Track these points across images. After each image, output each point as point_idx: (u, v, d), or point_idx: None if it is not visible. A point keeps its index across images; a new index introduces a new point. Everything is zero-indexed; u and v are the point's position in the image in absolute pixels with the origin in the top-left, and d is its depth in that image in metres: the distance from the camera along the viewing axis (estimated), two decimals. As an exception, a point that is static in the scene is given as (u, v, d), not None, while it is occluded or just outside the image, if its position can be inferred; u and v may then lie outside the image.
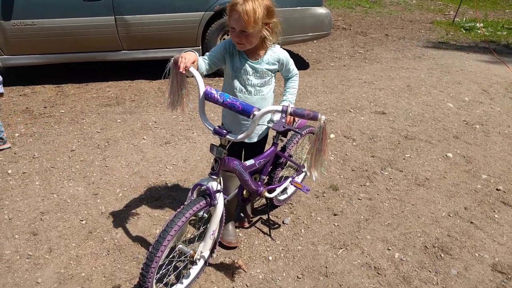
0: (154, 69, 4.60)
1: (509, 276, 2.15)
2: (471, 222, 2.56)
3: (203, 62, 1.82)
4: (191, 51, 1.70)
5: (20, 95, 4.09)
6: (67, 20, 4.06)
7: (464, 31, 7.76)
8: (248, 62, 1.88)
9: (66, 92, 4.21)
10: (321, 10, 4.85)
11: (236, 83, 1.91)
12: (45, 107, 3.81)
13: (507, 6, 10.16)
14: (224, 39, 4.46)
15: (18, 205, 2.47)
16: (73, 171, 2.82)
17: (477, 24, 7.94)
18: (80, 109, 3.80)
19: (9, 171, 2.80)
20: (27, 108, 3.80)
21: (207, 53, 1.88)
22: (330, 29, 5.11)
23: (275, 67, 1.95)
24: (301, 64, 5.43)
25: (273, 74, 1.97)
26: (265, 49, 1.90)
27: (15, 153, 3.03)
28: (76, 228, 2.30)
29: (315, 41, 6.52)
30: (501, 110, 4.29)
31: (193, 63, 1.66)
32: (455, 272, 2.16)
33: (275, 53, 1.92)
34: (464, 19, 8.52)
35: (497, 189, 2.90)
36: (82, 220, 2.36)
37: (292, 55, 5.88)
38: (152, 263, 1.58)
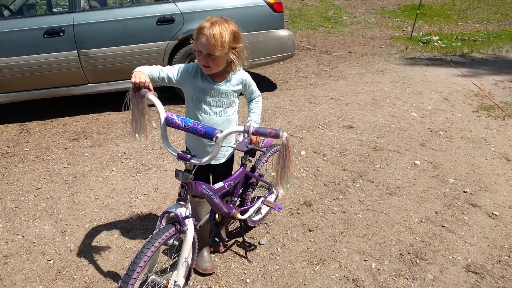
0: (122, 101, 4.55)
1: (482, 275, 2.19)
2: (442, 226, 2.61)
3: (158, 73, 1.82)
4: (140, 71, 1.71)
5: (-18, 136, 3.96)
6: (29, 58, 4.00)
7: (422, 45, 8.13)
8: (212, 84, 1.91)
9: (31, 129, 4.10)
10: (284, 33, 4.98)
11: (201, 106, 1.92)
12: (8, 147, 3.69)
13: (459, 19, 10.76)
14: (193, 61, 4.49)
15: (-20, 250, 2.35)
16: (39, 209, 2.72)
17: (433, 38, 8.35)
18: (45, 145, 3.70)
19: (-30, 216, 2.67)
20: (-11, 149, 3.68)
21: (168, 66, 1.88)
22: (294, 50, 5.24)
23: (239, 87, 1.98)
24: (269, 85, 5.53)
25: (237, 95, 1.99)
26: (230, 73, 1.93)
27: (-24, 197, 2.90)
28: (44, 269, 2.20)
29: (281, 63, 6.66)
30: (462, 116, 4.47)
31: (145, 83, 1.66)
32: (431, 277, 2.18)
33: (238, 75, 1.96)
34: (421, 33, 8.94)
35: (464, 192, 2.99)
36: (50, 260, 2.26)
37: (260, 77, 5.98)
38: (122, 297, 1.52)
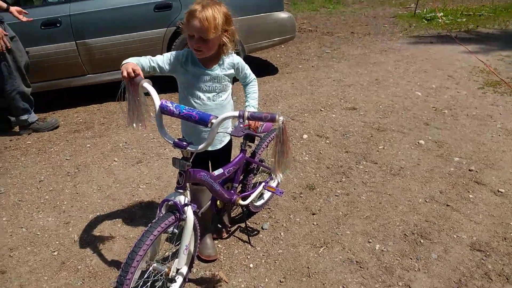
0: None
1: (487, 253, 2.17)
2: (447, 205, 2.58)
3: (149, 63, 1.78)
4: (127, 62, 1.67)
5: (-16, 131, 3.97)
6: (28, 50, 3.98)
7: (426, 22, 7.96)
8: (204, 70, 1.87)
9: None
10: (283, 15, 4.89)
11: (194, 92, 1.89)
12: (10, 140, 3.70)
13: (465, -6, 10.50)
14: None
15: (-15, 244, 2.37)
16: (42, 202, 2.73)
17: (438, 14, 8.16)
18: (47, 138, 3.70)
19: (-25, 210, 2.69)
20: (-8, 143, 3.69)
21: (158, 56, 1.84)
22: (294, 33, 5.15)
23: (232, 71, 1.94)
24: (270, 69, 5.45)
25: (230, 80, 1.96)
26: (222, 57, 1.90)
27: (-19, 191, 2.92)
28: (48, 260, 2.21)
29: (282, 46, 6.57)
30: (467, 93, 4.38)
31: (135, 71, 1.62)
32: (435, 256, 2.16)
33: (230, 58, 1.92)
34: (425, 10, 8.75)
35: (469, 170, 2.95)
36: (54, 252, 2.27)
37: (261, 61, 5.90)
38: (123, 286, 1.53)
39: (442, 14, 8.20)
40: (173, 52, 1.88)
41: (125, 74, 1.60)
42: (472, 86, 4.57)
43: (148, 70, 1.80)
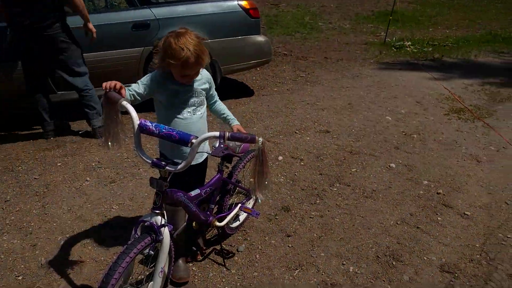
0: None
1: (456, 275, 2.24)
2: (417, 227, 2.66)
3: (128, 95, 1.79)
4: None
5: None
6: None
7: (395, 50, 8.33)
8: (184, 86, 1.92)
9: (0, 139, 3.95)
10: (260, 38, 5.00)
11: (175, 109, 1.93)
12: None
13: (430, 25, 11.10)
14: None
15: None
16: (8, 223, 2.61)
17: (406, 43, 8.57)
18: (15, 156, 3.57)
19: None
20: (-46, 160, 3.52)
21: (132, 85, 1.86)
22: (271, 56, 5.27)
23: (206, 86, 2.03)
24: (246, 91, 5.52)
25: (204, 94, 2.03)
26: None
27: None
28: (12, 286, 2.10)
29: (258, 69, 6.68)
30: (435, 119, 4.59)
31: (121, 89, 1.64)
32: (407, 278, 2.21)
33: (203, 74, 2.00)
34: (394, 38, 9.16)
35: (437, 193, 3.06)
36: (19, 276, 2.16)
37: (237, 82, 5.97)
38: (95, 311, 1.47)
39: (410, 43, 8.62)
40: (146, 76, 1.91)
41: (106, 85, 1.60)
42: (438, 113, 4.79)
43: (129, 98, 1.80)
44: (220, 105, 2.17)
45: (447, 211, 2.85)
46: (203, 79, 1.99)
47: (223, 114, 2.16)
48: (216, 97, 2.16)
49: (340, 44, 8.99)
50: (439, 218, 2.76)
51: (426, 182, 3.23)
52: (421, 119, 4.56)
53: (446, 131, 4.25)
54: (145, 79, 1.89)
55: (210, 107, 2.16)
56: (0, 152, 3.64)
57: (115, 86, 1.63)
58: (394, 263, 2.33)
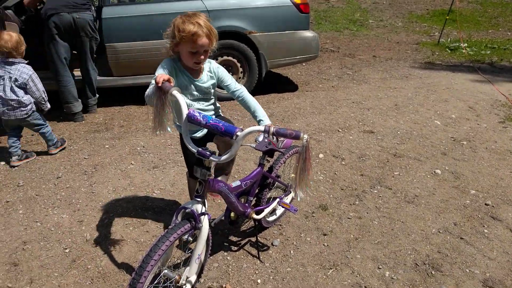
0: (143, 95, 4.60)
1: (501, 292, 2.12)
2: (461, 238, 2.54)
3: None
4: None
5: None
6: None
7: (449, 51, 7.94)
8: (193, 81, 1.98)
9: (54, 119, 4.20)
10: (308, 34, 4.95)
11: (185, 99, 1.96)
12: (32, 135, 3.79)
13: (490, 27, 10.46)
14: (216, 58, 4.51)
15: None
16: (58, 198, 2.78)
17: (462, 44, 8.14)
18: (68, 136, 3.78)
19: (-6, 200, 2.76)
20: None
21: (158, 69, 1.91)
22: (318, 52, 5.20)
23: (214, 81, 2.05)
24: (290, 86, 5.50)
25: (213, 90, 2.08)
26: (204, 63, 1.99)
27: None
28: (60, 257, 2.25)
29: (303, 64, 6.63)
30: (487, 126, 4.34)
31: (169, 80, 1.68)
32: (446, 290, 2.12)
33: (210, 67, 2.03)
34: (449, 39, 8.74)
35: (486, 204, 2.90)
36: (66, 249, 2.31)
37: (281, 77, 5.96)
38: (135, 289, 1.54)
39: (466, 45, 8.18)
40: (163, 62, 1.94)
41: (158, 79, 1.65)
42: (492, 119, 4.52)
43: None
44: (248, 98, 2.04)
45: (495, 223, 2.70)
46: (210, 72, 2.02)
47: (253, 111, 2.03)
48: (237, 86, 2.06)
49: (390, 42, 8.71)
50: (485, 231, 2.62)
51: (473, 191, 3.06)
52: (472, 125, 4.32)
53: (500, 139, 4.01)
54: (165, 63, 1.92)
55: (234, 96, 2.06)
56: (55, 132, 3.87)
57: (167, 79, 1.67)
58: (433, 272, 2.24)
